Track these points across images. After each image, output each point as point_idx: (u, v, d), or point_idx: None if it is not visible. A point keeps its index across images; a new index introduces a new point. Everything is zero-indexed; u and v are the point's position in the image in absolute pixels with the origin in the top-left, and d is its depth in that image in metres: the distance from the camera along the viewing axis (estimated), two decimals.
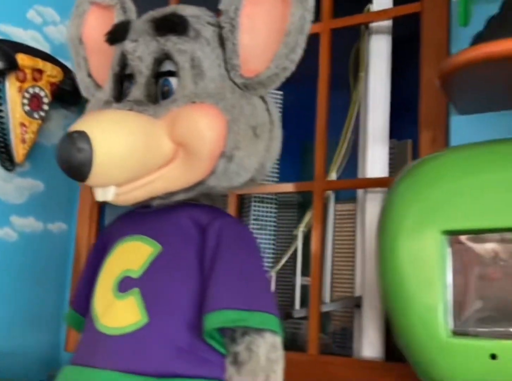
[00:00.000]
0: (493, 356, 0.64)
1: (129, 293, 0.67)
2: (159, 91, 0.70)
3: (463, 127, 0.88)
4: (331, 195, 1.13)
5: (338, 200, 1.18)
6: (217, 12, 0.71)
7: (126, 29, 0.72)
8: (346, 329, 1.17)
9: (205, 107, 0.66)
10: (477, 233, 0.68)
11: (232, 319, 0.62)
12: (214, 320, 0.62)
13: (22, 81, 1.06)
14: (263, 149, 0.70)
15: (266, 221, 1.24)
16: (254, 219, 1.23)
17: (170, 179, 0.66)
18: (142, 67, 0.69)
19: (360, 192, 1.07)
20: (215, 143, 0.64)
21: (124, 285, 0.68)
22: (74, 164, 0.60)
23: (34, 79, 1.08)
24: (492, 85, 0.78)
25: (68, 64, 1.13)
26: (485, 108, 0.84)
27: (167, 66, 0.69)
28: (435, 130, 0.90)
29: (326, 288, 1.08)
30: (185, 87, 0.67)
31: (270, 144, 0.71)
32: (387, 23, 1.07)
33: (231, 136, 0.65)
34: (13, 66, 1.02)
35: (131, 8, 0.78)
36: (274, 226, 1.26)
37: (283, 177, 1.24)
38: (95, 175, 0.61)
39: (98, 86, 0.79)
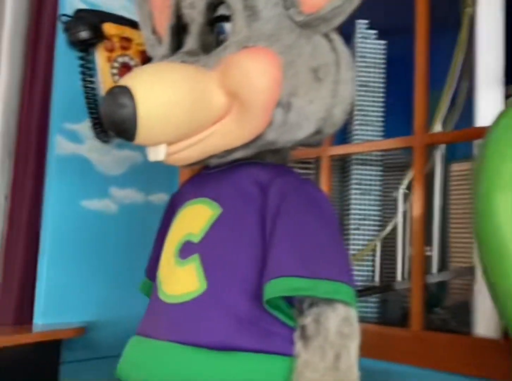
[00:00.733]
0: None
1: (189, 259, 0.63)
2: (214, 40, 0.64)
3: None
4: (439, 152, 1.00)
5: (454, 159, 1.04)
6: None
7: None
8: (467, 303, 1.04)
9: (256, 50, 0.59)
10: None
11: (294, 287, 0.56)
12: (274, 288, 0.56)
13: (111, 50, 1.05)
14: (328, 95, 0.61)
15: (369, 185, 1.14)
16: (356, 183, 1.13)
17: (224, 135, 0.60)
18: (194, 14, 0.64)
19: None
20: (268, 90, 0.57)
21: (185, 250, 0.64)
22: (117, 121, 0.56)
23: (123, 48, 1.07)
24: None
25: None
26: None
27: (220, 10, 0.63)
28: None
29: (434, 257, 0.96)
30: (238, 31, 0.61)
31: (337, 88, 0.62)
32: None
33: (288, 81, 0.58)
34: (99, 35, 1.02)
35: None
36: (379, 190, 1.15)
37: (390, 135, 1.13)
38: (142, 132, 0.57)
39: (161, 43, 0.75)
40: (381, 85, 1.12)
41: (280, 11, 0.62)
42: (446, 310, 1.08)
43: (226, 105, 0.59)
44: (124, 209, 1.13)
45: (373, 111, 1.12)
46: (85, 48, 1.03)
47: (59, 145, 1.02)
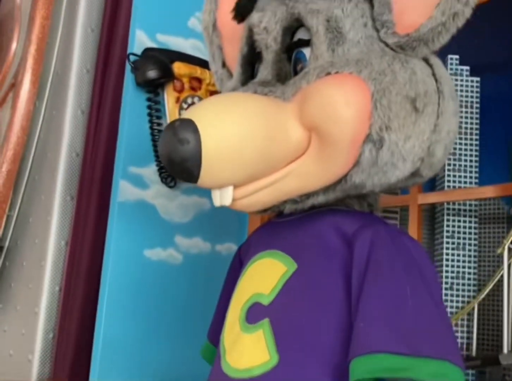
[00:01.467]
0: None
1: (258, 325, 0.53)
2: (292, 68, 0.56)
3: None
4: None
5: None
6: None
7: None
8: None
9: (341, 77, 0.49)
10: None
11: (389, 367, 0.45)
12: (363, 367, 0.45)
13: (180, 91, 1.00)
14: (428, 129, 0.51)
15: (464, 238, 1.01)
16: (449, 236, 1.00)
17: (302, 176, 0.51)
18: (269, 40, 0.56)
19: None
20: (355, 123, 0.48)
21: (253, 314, 0.54)
22: (178, 160, 0.48)
23: (193, 89, 1.01)
24: None
25: None
26: None
27: (299, 35, 0.55)
28: None
29: None
30: (319, 57, 0.52)
31: (439, 121, 0.51)
32: None
33: (379, 113, 0.48)
34: (168, 74, 0.96)
35: None
36: (476, 245, 1.02)
37: (485, 182, 1.00)
38: (206, 172, 0.49)
39: (231, 77, 0.68)
40: (476, 126, 1.00)
41: (370, 33, 0.53)
42: None
43: (304, 141, 0.50)
44: (189, 260, 1.05)
45: (466, 155, 1.00)
46: (153, 88, 0.99)
47: (123, 190, 0.96)
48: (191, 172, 0.49)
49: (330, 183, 0.51)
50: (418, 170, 0.53)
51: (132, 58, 0.96)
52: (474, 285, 1.00)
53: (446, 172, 1.00)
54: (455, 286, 0.98)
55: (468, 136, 0.99)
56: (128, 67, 0.97)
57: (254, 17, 0.58)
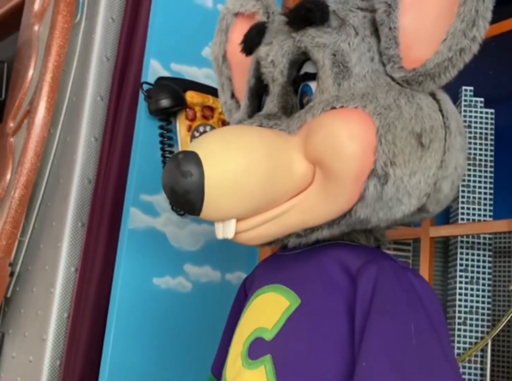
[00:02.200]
0: None
1: (259, 361, 0.52)
2: (298, 102, 0.56)
3: None
4: None
5: None
6: None
7: (261, 32, 0.59)
8: None
9: (346, 111, 0.49)
10: None
11: None
12: None
13: (192, 119, 1.00)
14: (434, 165, 0.50)
15: (478, 272, 0.99)
16: (462, 270, 0.98)
17: (306, 210, 0.50)
18: (275, 73, 0.56)
19: None
20: (359, 158, 0.47)
21: (255, 349, 0.53)
22: (180, 192, 0.48)
23: (205, 117, 1.01)
24: None
25: None
26: None
27: (305, 68, 0.55)
28: None
29: None
30: (324, 91, 0.52)
31: (445, 157, 0.51)
32: None
33: (384, 148, 0.48)
34: (180, 103, 0.97)
35: (276, 10, 0.65)
36: (490, 279, 0.99)
37: (499, 214, 0.99)
38: (209, 205, 0.48)
39: (240, 108, 0.68)
40: (490, 158, 0.99)
41: (377, 67, 0.52)
42: None
43: (308, 175, 0.50)
44: (198, 289, 1.04)
45: (481, 187, 0.98)
46: (166, 116, 0.99)
47: (134, 218, 0.96)
48: (194, 204, 0.49)
49: (334, 218, 0.50)
50: (425, 205, 0.52)
51: (145, 86, 0.97)
52: (488, 320, 0.97)
53: (460, 205, 0.99)
54: (468, 321, 0.96)
55: (483, 168, 0.98)
56: (141, 96, 0.98)
57: (262, 50, 0.58)
